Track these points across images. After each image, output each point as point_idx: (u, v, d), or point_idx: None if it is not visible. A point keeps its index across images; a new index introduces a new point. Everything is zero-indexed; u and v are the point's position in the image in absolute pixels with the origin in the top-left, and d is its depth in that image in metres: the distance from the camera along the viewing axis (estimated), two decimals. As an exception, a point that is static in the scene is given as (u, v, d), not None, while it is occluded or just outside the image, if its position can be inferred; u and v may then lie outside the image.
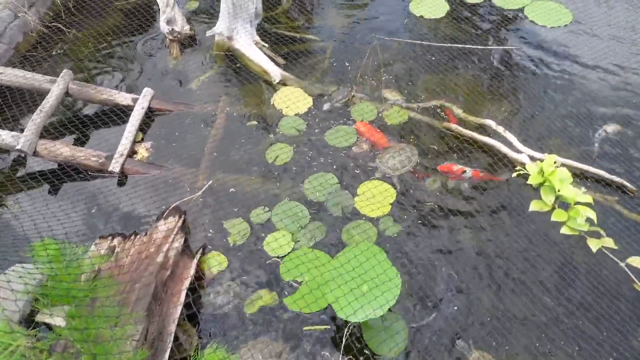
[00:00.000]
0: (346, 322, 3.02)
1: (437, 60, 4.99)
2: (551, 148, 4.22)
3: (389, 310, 2.99)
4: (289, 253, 3.61)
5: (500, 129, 4.26)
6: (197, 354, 2.75)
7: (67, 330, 2.11)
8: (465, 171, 3.92)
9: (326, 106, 4.58)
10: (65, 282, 2.04)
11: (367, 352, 3.16)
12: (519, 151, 4.09)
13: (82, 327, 1.95)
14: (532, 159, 3.97)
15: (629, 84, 4.77)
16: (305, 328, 3.23)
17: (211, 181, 3.98)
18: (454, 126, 4.34)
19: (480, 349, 3.14)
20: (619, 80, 4.79)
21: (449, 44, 5.09)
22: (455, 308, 3.36)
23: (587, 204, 2.37)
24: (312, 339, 3.24)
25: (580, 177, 3.99)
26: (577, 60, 5.01)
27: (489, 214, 3.83)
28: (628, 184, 3.91)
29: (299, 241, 3.67)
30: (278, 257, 3.58)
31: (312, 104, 4.61)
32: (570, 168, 3.96)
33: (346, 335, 3.06)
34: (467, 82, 4.79)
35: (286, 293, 3.42)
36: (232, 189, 4.00)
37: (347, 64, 4.97)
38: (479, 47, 5.08)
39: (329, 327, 3.22)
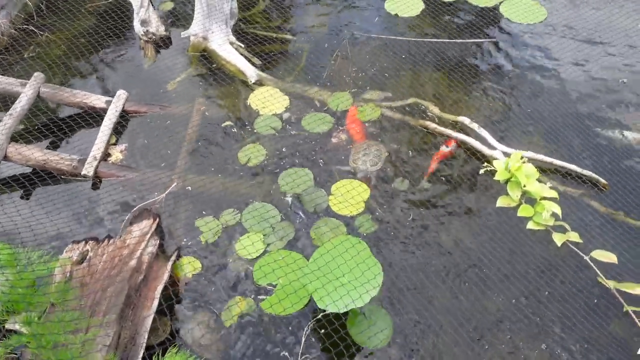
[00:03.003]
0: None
1: (412, 58, 5.01)
2: (526, 144, 4.26)
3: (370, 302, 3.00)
4: (260, 256, 3.59)
5: (474, 126, 4.29)
6: (158, 358, 2.72)
7: (26, 337, 2.08)
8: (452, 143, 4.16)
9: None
10: (20, 287, 2.01)
11: (352, 347, 3.16)
12: (493, 147, 4.12)
13: (38, 333, 1.92)
14: (506, 155, 4.00)
15: (602, 79, 4.82)
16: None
17: (175, 183, 3.94)
18: (430, 124, 4.36)
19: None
20: (592, 76, 4.85)
21: (424, 39, 5.12)
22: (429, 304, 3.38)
23: (553, 199, 2.40)
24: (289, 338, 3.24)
25: (554, 173, 4.03)
26: (552, 56, 5.06)
27: (460, 209, 3.86)
28: (600, 179, 3.96)
29: (270, 244, 3.65)
30: (247, 263, 3.55)
31: (289, 102, 4.60)
32: (543, 163, 4.02)
33: (308, 327, 3.06)
34: (442, 79, 4.81)
35: (262, 297, 3.39)
36: (205, 190, 3.97)
37: (322, 63, 4.96)
38: (455, 40, 5.11)
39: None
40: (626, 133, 4.25)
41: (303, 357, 3.05)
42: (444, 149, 4.20)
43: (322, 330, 3.23)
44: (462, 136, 4.24)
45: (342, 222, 3.77)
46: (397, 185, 4.01)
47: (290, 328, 3.28)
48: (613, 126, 4.41)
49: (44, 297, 2.09)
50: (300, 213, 3.85)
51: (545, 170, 4.01)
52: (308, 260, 3.43)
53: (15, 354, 2.71)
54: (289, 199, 3.92)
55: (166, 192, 3.85)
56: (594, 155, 4.20)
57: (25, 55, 4.98)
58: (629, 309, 2.34)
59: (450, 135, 4.26)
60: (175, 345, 2.99)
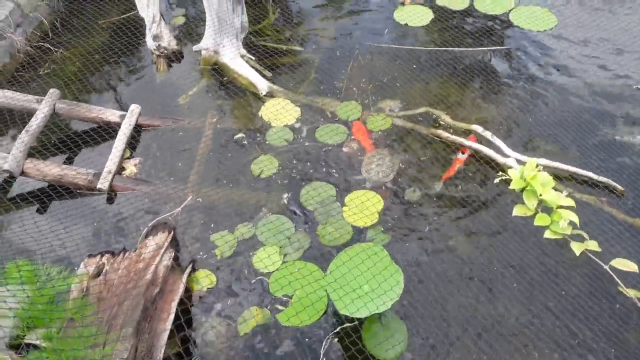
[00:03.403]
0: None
1: (423, 67, 5.02)
2: (540, 151, 4.23)
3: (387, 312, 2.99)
4: (277, 269, 3.58)
5: (487, 134, 4.27)
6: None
7: (46, 352, 2.09)
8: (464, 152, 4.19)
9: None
10: (39, 303, 2.02)
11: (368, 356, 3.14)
12: (506, 155, 4.10)
13: (58, 348, 1.93)
14: (520, 162, 3.98)
15: (616, 86, 4.79)
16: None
17: (191, 197, 3.97)
18: (442, 132, 4.35)
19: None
20: (605, 83, 4.82)
21: (435, 48, 5.13)
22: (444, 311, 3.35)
23: (570, 207, 2.38)
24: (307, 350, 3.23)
25: (570, 180, 4.00)
26: (564, 63, 5.04)
27: (476, 218, 3.83)
28: (617, 185, 3.91)
29: (287, 254, 3.66)
30: (263, 275, 3.55)
31: (300, 114, 4.62)
32: (558, 171, 3.99)
33: (328, 339, 3.05)
34: (454, 88, 4.81)
35: (279, 308, 3.38)
36: (219, 203, 3.99)
37: (333, 74, 4.99)
38: (465, 49, 5.11)
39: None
40: None
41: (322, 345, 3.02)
42: (461, 156, 4.19)
43: (339, 342, 3.21)
44: (475, 144, 4.22)
45: (348, 224, 3.80)
46: (409, 195, 4.00)
47: (306, 340, 3.26)
48: (628, 133, 4.37)
49: (63, 313, 2.11)
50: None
51: (560, 178, 3.98)
52: (324, 271, 3.43)
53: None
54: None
55: (182, 206, 3.87)
56: (609, 162, 4.16)
57: (40, 72, 5.06)
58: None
59: (462, 143, 4.25)
60: (193, 358, 2.99)
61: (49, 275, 2.50)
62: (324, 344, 3.11)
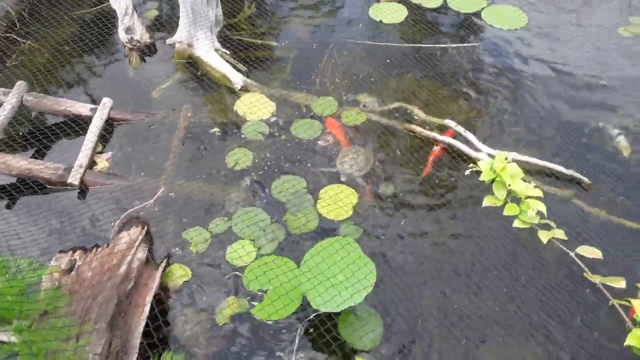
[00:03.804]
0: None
1: (397, 63, 5.07)
2: (511, 146, 4.34)
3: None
4: (251, 262, 3.58)
5: (460, 129, 4.35)
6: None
7: (17, 346, 2.05)
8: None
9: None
10: (9, 295, 1.98)
11: (345, 347, 3.18)
12: (478, 150, 4.19)
13: (29, 340, 1.89)
14: (491, 157, 4.07)
15: (583, 82, 4.94)
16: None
17: (163, 189, 3.93)
18: (415, 127, 4.41)
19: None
20: (572, 79, 4.97)
21: (409, 45, 5.19)
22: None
23: (538, 198, 2.46)
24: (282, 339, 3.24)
25: (540, 174, 4.11)
26: (533, 60, 5.17)
27: (449, 210, 3.91)
28: (584, 178, 4.04)
29: (261, 248, 3.66)
30: (238, 270, 3.54)
31: (275, 108, 4.62)
32: (528, 165, 4.10)
33: (302, 327, 3.10)
34: (427, 84, 4.88)
35: (254, 303, 3.38)
36: (193, 196, 3.96)
37: (308, 69, 5.00)
38: (438, 45, 5.20)
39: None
40: (617, 139, 4.34)
41: (298, 357, 3.05)
42: (436, 148, 4.28)
43: (314, 331, 3.24)
44: (448, 139, 4.30)
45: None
46: (383, 189, 4.05)
47: (283, 330, 3.28)
48: (595, 127, 4.52)
49: (35, 304, 2.07)
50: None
51: (530, 172, 4.09)
52: (297, 263, 3.45)
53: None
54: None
55: (154, 199, 3.83)
56: (577, 156, 4.30)
57: (7, 64, 4.92)
58: (615, 302, 2.39)
59: (435, 138, 4.32)
60: (169, 350, 2.97)
61: (19, 267, 2.44)
62: (298, 331, 3.13)
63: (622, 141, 4.27)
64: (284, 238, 3.72)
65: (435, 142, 4.33)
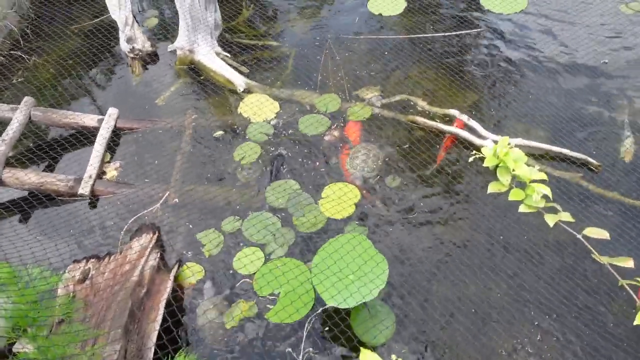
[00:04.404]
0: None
1: (399, 55, 5.05)
2: (516, 132, 4.30)
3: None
4: (261, 266, 3.60)
5: (464, 117, 4.32)
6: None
7: (33, 354, 2.09)
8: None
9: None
10: (22, 304, 2.02)
11: (355, 341, 3.19)
12: (483, 137, 4.16)
13: (44, 346, 1.93)
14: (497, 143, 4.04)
15: (584, 62, 4.87)
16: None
17: (169, 192, 3.97)
18: (419, 119, 4.40)
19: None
20: (574, 60, 4.90)
21: (409, 35, 5.17)
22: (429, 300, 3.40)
23: (542, 181, 2.44)
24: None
25: (547, 158, 4.08)
26: (534, 43, 5.11)
27: (457, 203, 3.89)
28: (593, 160, 3.99)
29: (272, 252, 3.68)
30: (247, 276, 3.56)
31: (279, 108, 4.64)
32: (534, 150, 4.06)
33: (310, 322, 3.12)
34: (429, 74, 4.86)
35: (269, 306, 3.40)
36: (203, 201, 4.00)
37: (309, 66, 5.01)
38: (439, 34, 5.17)
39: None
40: (625, 142, 4.23)
41: (305, 352, 3.06)
42: (449, 135, 4.28)
43: (327, 329, 3.25)
44: (452, 129, 4.27)
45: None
46: (390, 182, 4.04)
47: (294, 329, 3.30)
48: (599, 108, 4.46)
49: (49, 312, 2.11)
50: (292, 218, 3.89)
51: (536, 157, 4.06)
52: (307, 266, 3.47)
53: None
54: (279, 205, 3.95)
55: (160, 202, 3.87)
56: (584, 137, 4.24)
57: (14, 81, 5.00)
58: (623, 282, 2.36)
59: (439, 128, 4.30)
60: (181, 351, 3.01)
61: (30, 277, 2.49)
62: (306, 326, 3.14)
63: (628, 145, 4.15)
64: (294, 241, 3.73)
65: (441, 132, 4.30)
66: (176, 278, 3.54)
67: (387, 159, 4.20)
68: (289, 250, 3.69)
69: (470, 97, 4.65)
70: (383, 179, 4.07)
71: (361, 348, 2.07)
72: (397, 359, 1.94)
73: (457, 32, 5.23)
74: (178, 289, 3.50)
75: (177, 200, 3.98)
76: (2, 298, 2.32)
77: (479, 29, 5.27)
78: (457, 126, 4.30)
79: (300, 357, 3.09)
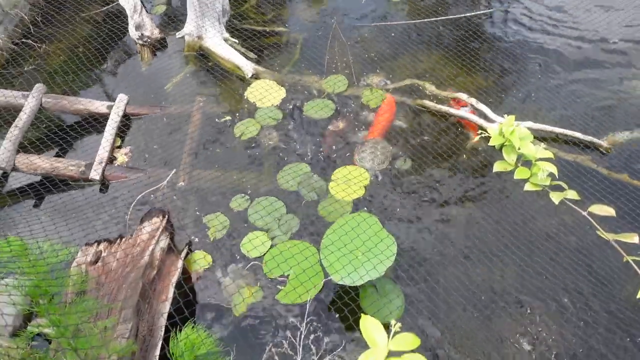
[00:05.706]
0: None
1: (407, 39, 5.03)
2: (528, 115, 4.28)
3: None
4: (270, 249, 3.63)
5: (472, 101, 4.30)
6: (176, 334, 2.81)
7: (48, 328, 2.15)
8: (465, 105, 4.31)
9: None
10: (33, 276, 2.08)
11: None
12: (492, 121, 4.14)
13: (57, 321, 1.99)
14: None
15: (595, 42, 4.82)
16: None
17: (175, 170, 4.04)
18: (428, 103, 4.38)
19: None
20: (584, 40, 4.85)
21: (419, 20, 5.14)
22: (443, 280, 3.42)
23: (548, 160, 2.43)
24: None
25: (557, 141, 4.06)
26: (545, 24, 5.06)
27: (464, 182, 3.89)
28: (603, 142, 3.97)
29: (275, 237, 3.70)
30: (256, 259, 3.59)
31: (286, 93, 4.65)
32: (545, 133, 4.04)
33: (309, 300, 3.17)
34: (437, 58, 4.83)
35: (277, 287, 3.44)
36: (209, 186, 4.04)
37: (317, 51, 5.00)
38: (447, 17, 5.13)
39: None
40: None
41: (308, 319, 3.10)
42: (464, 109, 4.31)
43: (336, 306, 3.29)
44: (461, 112, 4.26)
45: (345, 202, 3.84)
46: (400, 164, 4.04)
47: (299, 310, 3.34)
48: (611, 89, 4.41)
49: (60, 281, 2.17)
50: (303, 201, 3.90)
51: (547, 140, 4.04)
52: (316, 247, 3.49)
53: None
54: (290, 188, 3.97)
55: (166, 180, 3.92)
56: (595, 119, 4.21)
57: (25, 68, 5.06)
58: (629, 258, 2.36)
59: (448, 112, 4.29)
60: (190, 322, 3.06)
61: (41, 250, 2.56)
62: (307, 303, 3.17)
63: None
64: (298, 228, 3.76)
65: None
66: (186, 260, 3.58)
67: (395, 141, 4.20)
68: (293, 236, 3.71)
69: (479, 79, 4.62)
70: (394, 163, 4.06)
71: (361, 314, 2.10)
72: (395, 324, 1.96)
73: (467, 15, 5.19)
74: (187, 270, 3.55)
75: (182, 183, 4.02)
76: (15, 275, 2.38)
77: (489, 10, 5.22)
78: (461, 108, 4.28)
79: (303, 335, 3.13)
